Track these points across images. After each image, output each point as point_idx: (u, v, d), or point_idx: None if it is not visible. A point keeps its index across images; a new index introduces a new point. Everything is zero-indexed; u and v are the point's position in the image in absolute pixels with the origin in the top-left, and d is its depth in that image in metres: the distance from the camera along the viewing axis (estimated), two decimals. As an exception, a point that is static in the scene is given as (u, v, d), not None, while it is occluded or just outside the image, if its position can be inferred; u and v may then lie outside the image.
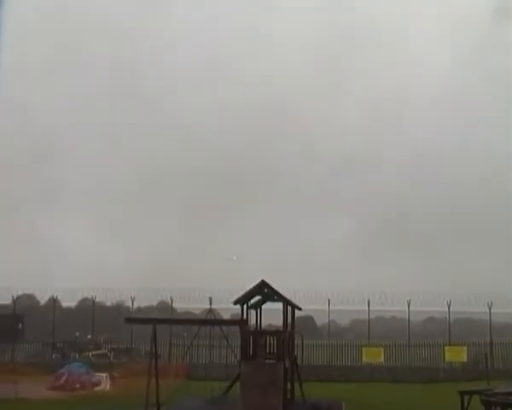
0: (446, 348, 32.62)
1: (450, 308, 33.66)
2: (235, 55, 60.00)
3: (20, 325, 38.43)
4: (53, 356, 34.48)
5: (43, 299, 41.66)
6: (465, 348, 32.57)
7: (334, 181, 60.62)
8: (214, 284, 33.70)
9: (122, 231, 58.21)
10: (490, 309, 33.08)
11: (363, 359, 32.52)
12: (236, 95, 58.02)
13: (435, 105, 58.05)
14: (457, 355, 32.28)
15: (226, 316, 32.14)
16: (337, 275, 45.89)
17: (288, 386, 18.29)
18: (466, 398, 14.86)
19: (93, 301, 35.98)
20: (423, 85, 58.40)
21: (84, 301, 39.27)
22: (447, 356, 32.34)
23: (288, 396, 18.17)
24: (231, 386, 17.85)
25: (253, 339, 16.98)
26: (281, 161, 60.75)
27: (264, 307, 19.91)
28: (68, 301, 38.11)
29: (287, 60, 59.37)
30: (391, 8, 59.26)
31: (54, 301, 36.27)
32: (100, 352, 35.22)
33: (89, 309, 36.43)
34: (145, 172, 59.26)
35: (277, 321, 20.17)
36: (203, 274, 44.99)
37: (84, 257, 50.84)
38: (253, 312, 19.61)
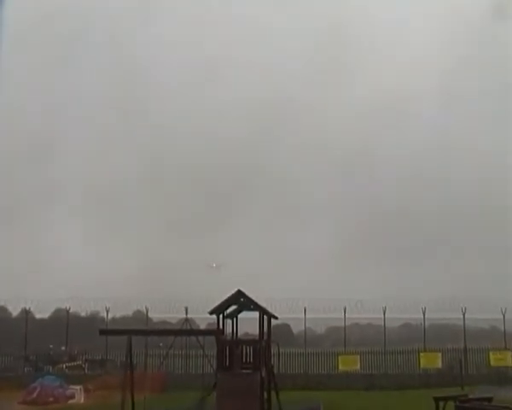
0: (421, 354, 32.91)
1: (426, 315, 33.98)
2: (234, 54, 59.95)
3: (-8, 338, 37.70)
4: (25, 370, 33.80)
5: (15, 310, 40.97)
6: (440, 354, 32.90)
7: (312, 190, 60.69)
8: (190, 293, 33.50)
9: (96, 240, 57.48)
10: (464, 315, 33.47)
11: (340, 367, 32.61)
12: (235, 95, 57.99)
13: (435, 105, 58.55)
14: (432, 362, 32.58)
15: (202, 325, 31.91)
16: (313, 283, 46.00)
17: (265, 395, 18.21)
18: (441, 404, 14.97)
19: (67, 312, 35.46)
20: (422, 85, 58.95)
21: (57, 311, 38.67)
22: (422, 362, 32.61)
23: (265, 406, 18.09)
24: (207, 396, 17.71)
25: (229, 349, 16.89)
26: (260, 171, 60.78)
27: (240, 316, 19.83)
28: (41, 313, 37.42)
29: (287, 59, 59.60)
30: (391, 8, 59.91)
31: (26, 313, 35.59)
32: (74, 364, 34.73)
33: (63, 320, 35.87)
34: (126, 176, 58.82)
35: (254, 330, 20.10)
36: (179, 284, 44.71)
37: (57, 267, 50.12)
38: (229, 321, 19.51)
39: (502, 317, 33.44)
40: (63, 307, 35.53)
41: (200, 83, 60.85)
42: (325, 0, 60.40)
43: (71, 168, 58.32)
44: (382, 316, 33.90)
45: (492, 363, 32.55)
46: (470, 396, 15.73)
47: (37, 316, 38.20)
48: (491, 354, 32.75)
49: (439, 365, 32.65)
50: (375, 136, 59.51)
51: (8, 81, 47.51)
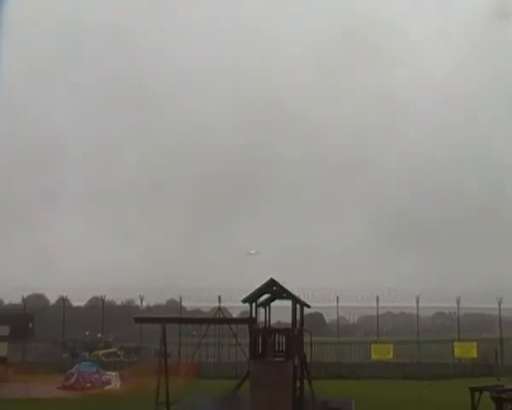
0: (456, 343, 32.54)
1: (460, 304, 33.56)
2: (235, 56, 59.93)
3: (31, 325, 38.70)
4: (63, 356, 34.64)
5: (52, 299, 41.99)
6: (475, 343, 32.47)
7: (344, 179, 60.32)
8: (223, 282, 33.75)
9: (131, 231, 58.23)
10: (500, 305, 32.93)
11: (373, 356, 32.50)
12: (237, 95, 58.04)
13: (435, 106, 57.78)
14: (467, 351, 32.18)
15: (235, 314, 32.15)
16: (346, 272, 45.81)
17: (298, 384, 18.27)
18: (476, 394, 14.76)
19: (102, 301, 36.15)
20: (423, 86, 58.21)
21: (93, 300, 39.48)
22: (457, 352, 32.26)
23: (298, 394, 18.16)
24: (241, 384, 17.85)
25: (261, 337, 16.96)
26: (291, 159, 60.57)
27: (272, 304, 19.90)
28: (78, 301, 38.26)
29: (287, 59, 59.32)
30: (391, 7, 59.13)
31: (63, 301, 36.42)
32: (110, 351, 35.39)
33: (98, 308, 36.60)
34: (154, 172, 59.31)
35: (286, 319, 20.15)
36: (212, 272, 45.02)
37: (93, 256, 50.92)
38: (261, 310, 19.59)
39: (539, 306, 32.85)
40: (99, 295, 36.21)
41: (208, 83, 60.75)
42: (325, 2, 59.86)
43: (86, 166, 58.92)
44: (415, 305, 33.61)
45: (529, 353, 32.00)
46: (506, 387, 15.47)
47: (74, 304, 39.08)
48: (527, 343, 32.20)
49: (474, 354, 32.22)
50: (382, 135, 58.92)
51: (9, 80, 48.54)
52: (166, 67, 60.28)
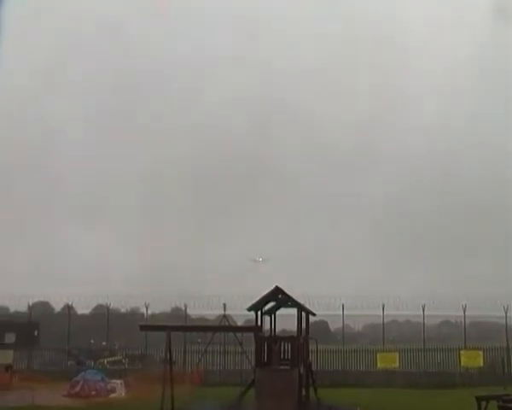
0: (462, 352, 32.33)
1: (466, 312, 33.40)
2: (235, 53, 60.06)
3: (36, 333, 38.76)
4: (68, 363, 34.66)
5: (57, 306, 41.98)
6: (481, 352, 32.25)
7: (349, 186, 60.28)
8: (228, 289, 33.71)
9: (136, 238, 58.37)
10: (506, 313, 32.76)
11: (378, 364, 32.32)
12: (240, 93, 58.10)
13: (435, 104, 57.77)
14: (473, 360, 31.97)
15: (240, 322, 32.12)
16: (351, 279, 45.73)
17: (303, 392, 18.24)
18: (483, 403, 14.71)
19: (107, 308, 36.13)
20: (423, 85, 58.21)
21: (98, 307, 39.44)
22: (463, 361, 32.05)
23: (303, 402, 18.13)
24: (246, 392, 17.84)
25: (267, 345, 16.99)
26: (295, 162, 60.63)
27: (278, 312, 19.89)
28: (83, 309, 38.27)
29: (287, 57, 59.45)
30: (391, 8, 59.24)
31: (69, 309, 36.44)
32: (115, 359, 35.36)
33: (103, 316, 36.58)
34: (154, 177, 59.37)
35: (291, 327, 20.14)
36: (217, 280, 45.02)
37: (98, 264, 51.10)
38: (267, 318, 19.60)
39: (546, 315, 32.64)
40: (104, 303, 36.23)
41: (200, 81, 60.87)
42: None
43: (83, 166, 58.94)
44: (421, 313, 33.47)
45: (536, 362, 31.79)
46: (513, 396, 15.42)
47: (79, 312, 39.10)
48: (534, 352, 31.98)
49: (481, 363, 32.00)
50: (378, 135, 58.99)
51: (9, 80, 48.76)
52: (166, 63, 60.48)
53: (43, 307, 44.99)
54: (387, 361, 32.26)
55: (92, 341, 38.85)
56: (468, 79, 56.16)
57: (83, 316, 40.87)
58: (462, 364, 32.09)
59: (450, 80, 56.64)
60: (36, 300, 38.46)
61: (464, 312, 33.36)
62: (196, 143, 59.72)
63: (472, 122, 56.51)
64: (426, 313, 33.48)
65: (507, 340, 32.90)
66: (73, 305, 36.41)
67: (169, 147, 59.37)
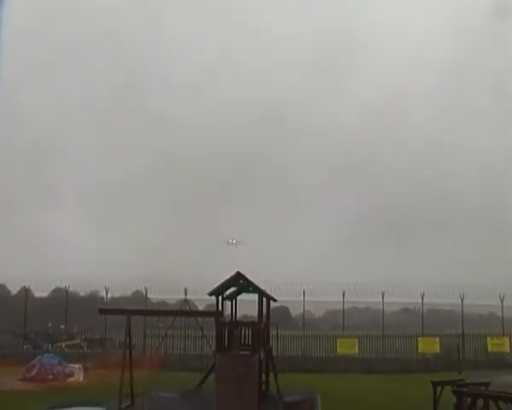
0: (419, 339, 33.03)
1: (424, 300, 34.08)
2: (234, 55, 59.77)
3: (-9, 316, 37.87)
4: (24, 347, 33.98)
5: (14, 289, 41.11)
6: (438, 339, 33.02)
7: (319, 173, 60.65)
8: (189, 274, 33.58)
9: (97, 221, 57.57)
10: (462, 301, 33.55)
11: (338, 350, 32.74)
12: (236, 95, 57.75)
13: (434, 105, 58.32)
14: (430, 346, 32.71)
15: (201, 307, 32.04)
16: (312, 266, 46.05)
17: (263, 377, 18.29)
18: (438, 389, 14.99)
19: (66, 291, 35.55)
20: (422, 85, 58.65)
21: (57, 290, 38.76)
22: (420, 347, 32.75)
23: (263, 388, 18.17)
24: (206, 377, 17.77)
25: (228, 330, 16.89)
26: (272, 156, 60.63)
27: (239, 298, 19.86)
28: (41, 292, 37.49)
29: (286, 60, 59.29)
30: (391, 8, 59.43)
31: (26, 291, 35.68)
32: (73, 342, 34.89)
33: (62, 299, 35.96)
34: (132, 166, 58.64)
35: (252, 312, 20.13)
36: (179, 265, 44.74)
37: (56, 246, 50.18)
38: (228, 303, 19.54)
39: (500, 303, 33.55)
40: (62, 286, 35.59)
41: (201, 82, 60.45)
42: (325, 2, 60.00)
43: (71, 161, 58.12)
44: (381, 300, 34.00)
45: (490, 349, 32.73)
46: (467, 381, 15.75)
47: (37, 295, 38.33)
48: (488, 339, 32.91)
49: (437, 350, 32.78)
50: (373, 135, 59.41)
51: (9, 79, 47.56)
52: (165, 65, 59.85)
53: (-1, 290, 44.04)
54: (347, 347, 32.70)
55: (50, 324, 38.18)
56: (468, 79, 56.91)
57: (40, 299, 40.08)
58: (419, 350, 32.81)
59: (449, 80, 57.23)
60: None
61: (422, 299, 34.05)
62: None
63: (472, 123, 57.06)
64: (385, 300, 34.02)
65: (462, 327, 33.76)
66: (31, 288, 35.68)
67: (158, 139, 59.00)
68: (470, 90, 55.92)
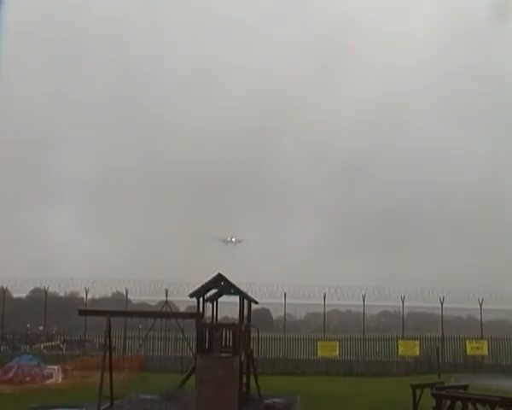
0: (400, 342, 33.18)
1: (404, 303, 34.30)
2: (232, 57, 59.72)
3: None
4: (1, 348, 33.47)
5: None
6: (417, 342, 33.20)
7: (301, 176, 60.86)
8: (171, 276, 33.38)
9: (79, 222, 57.10)
10: (442, 304, 33.83)
11: (319, 352, 32.78)
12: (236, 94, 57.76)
13: (434, 105, 58.71)
14: (410, 349, 32.89)
15: (182, 308, 31.90)
16: (294, 269, 46.15)
17: (244, 379, 18.24)
18: (418, 391, 15.08)
19: (45, 292, 35.11)
20: (422, 85, 59.04)
21: (35, 291, 38.29)
22: (400, 350, 32.91)
23: (244, 390, 18.13)
24: (186, 379, 17.70)
25: (208, 332, 16.85)
26: (259, 160, 60.80)
27: (220, 300, 19.81)
28: (19, 292, 37.00)
29: (287, 59, 59.46)
30: (391, 8, 59.83)
31: (3, 292, 35.17)
32: (52, 344, 34.48)
33: (41, 300, 35.53)
34: (116, 167, 58.35)
35: (233, 314, 20.10)
36: (160, 266, 44.50)
37: (35, 246, 49.64)
38: (209, 305, 19.48)
39: (479, 307, 33.87)
40: (41, 286, 35.17)
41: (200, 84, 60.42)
42: (324, 3, 60.34)
43: (63, 160, 57.66)
44: (362, 303, 34.15)
45: (468, 352, 32.97)
46: (446, 384, 15.88)
47: (15, 295, 37.83)
48: (467, 343, 33.15)
49: (417, 352, 32.96)
50: (370, 137, 59.82)
51: (9, 78, 46.88)
52: (166, 63, 59.58)
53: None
54: (328, 350, 32.76)
55: (28, 325, 37.66)
56: (468, 79, 57.30)
57: (18, 300, 39.56)
58: (399, 353, 32.95)
59: (449, 80, 57.63)
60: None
61: (403, 303, 34.26)
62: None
63: (471, 123, 57.46)
64: (366, 303, 34.17)
65: (442, 331, 34.02)
66: (8, 288, 35.18)
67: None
68: (470, 92, 56.49)
